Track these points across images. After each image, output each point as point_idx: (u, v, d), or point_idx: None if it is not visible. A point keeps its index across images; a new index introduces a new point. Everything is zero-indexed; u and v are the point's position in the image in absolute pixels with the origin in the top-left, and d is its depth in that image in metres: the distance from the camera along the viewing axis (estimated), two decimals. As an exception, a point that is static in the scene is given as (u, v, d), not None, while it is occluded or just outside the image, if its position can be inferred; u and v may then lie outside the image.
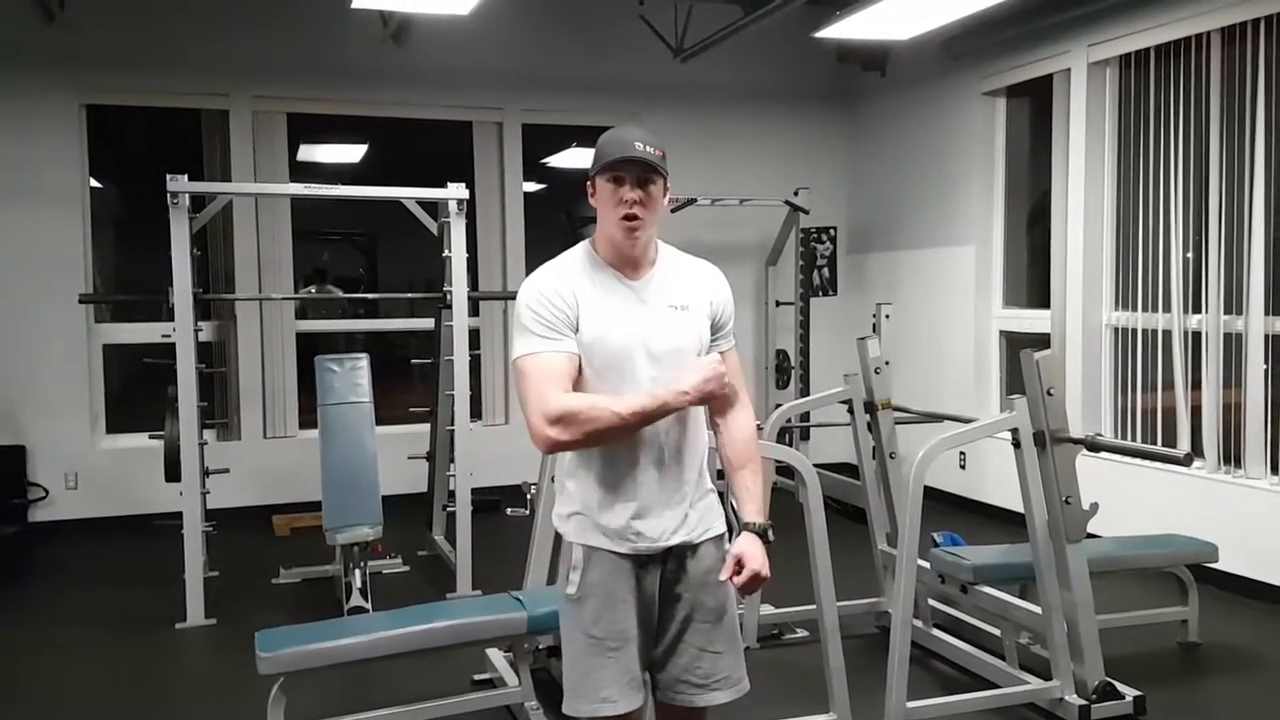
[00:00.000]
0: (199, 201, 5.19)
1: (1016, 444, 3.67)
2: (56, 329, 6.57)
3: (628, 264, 2.28)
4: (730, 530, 2.40)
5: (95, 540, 6.36)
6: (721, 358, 2.33)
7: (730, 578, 2.26)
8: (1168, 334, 5.62)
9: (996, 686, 3.84)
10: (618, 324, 2.23)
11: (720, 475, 2.46)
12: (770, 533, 2.33)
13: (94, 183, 6.83)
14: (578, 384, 2.23)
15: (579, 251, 2.32)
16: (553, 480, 3.93)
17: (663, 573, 2.30)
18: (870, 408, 4.56)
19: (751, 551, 2.27)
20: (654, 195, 2.23)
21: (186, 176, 4.79)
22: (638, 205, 2.20)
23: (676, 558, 2.31)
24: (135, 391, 6.95)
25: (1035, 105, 6.76)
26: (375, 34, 6.96)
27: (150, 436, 5.36)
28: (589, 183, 2.28)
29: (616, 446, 2.24)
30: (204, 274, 6.53)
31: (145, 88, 6.74)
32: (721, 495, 2.44)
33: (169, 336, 4.88)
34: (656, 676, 2.35)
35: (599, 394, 2.21)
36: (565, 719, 2.33)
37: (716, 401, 2.38)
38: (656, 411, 2.18)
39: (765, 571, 2.27)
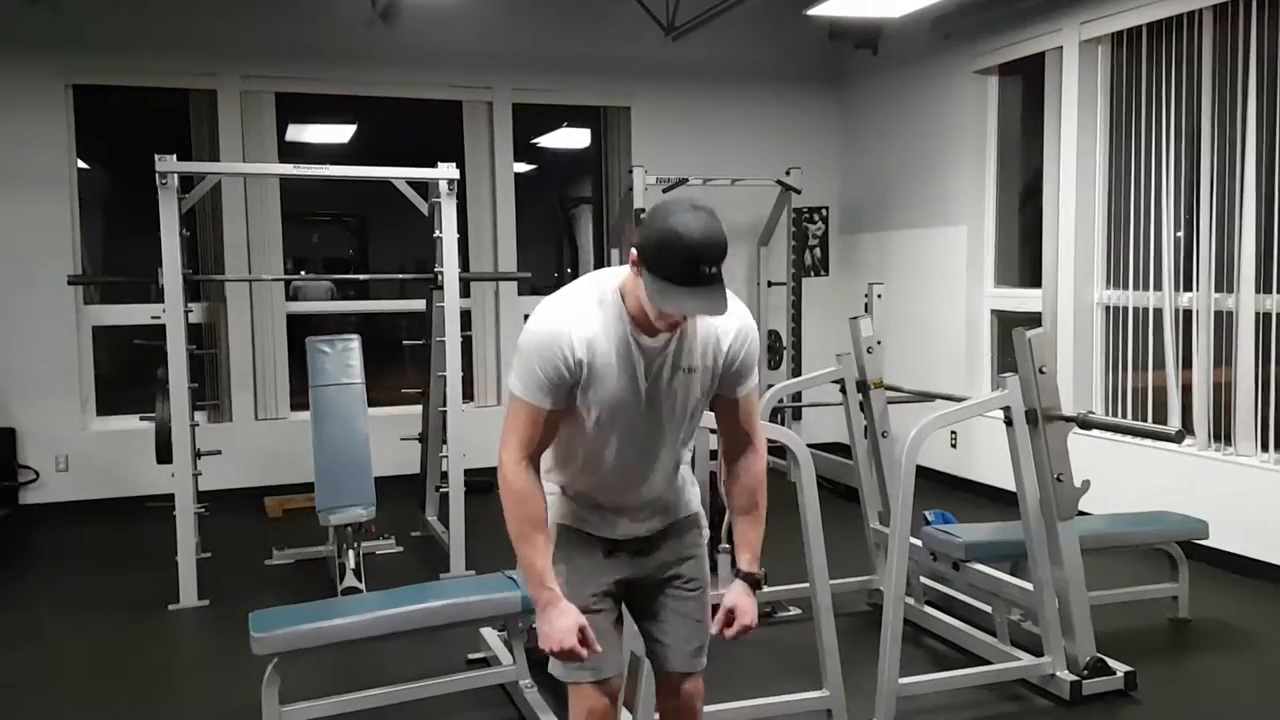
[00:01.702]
0: (187, 182, 5.16)
1: (1008, 422, 3.67)
2: (45, 311, 6.54)
3: (649, 329, 2.14)
4: (711, 531, 2.44)
5: (87, 522, 6.35)
6: (737, 403, 2.28)
7: (721, 630, 2.29)
8: (1159, 312, 5.63)
9: (988, 663, 3.86)
10: (621, 385, 2.15)
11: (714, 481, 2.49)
12: (764, 581, 2.34)
13: (81, 164, 6.78)
14: (577, 427, 2.20)
15: (608, 299, 2.13)
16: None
17: (635, 549, 2.35)
18: (862, 387, 4.57)
19: (744, 605, 2.29)
20: None
21: (175, 157, 4.76)
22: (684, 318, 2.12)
23: (648, 537, 2.36)
24: (125, 373, 6.93)
25: (1027, 84, 6.74)
26: (364, 13, 6.91)
27: (141, 418, 5.35)
28: (635, 252, 2.03)
29: (598, 463, 2.25)
30: (193, 255, 6.49)
31: (132, 68, 6.69)
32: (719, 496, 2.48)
33: (159, 318, 4.85)
34: (655, 649, 2.40)
35: (595, 440, 2.20)
36: (559, 696, 2.35)
37: (727, 442, 2.34)
38: (530, 580, 2.17)
39: (755, 623, 2.31)
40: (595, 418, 2.17)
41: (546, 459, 2.29)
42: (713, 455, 4.76)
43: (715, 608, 2.35)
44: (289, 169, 5.49)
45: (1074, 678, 3.67)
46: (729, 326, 2.21)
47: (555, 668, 2.31)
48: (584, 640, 2.14)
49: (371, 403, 5.29)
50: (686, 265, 1.96)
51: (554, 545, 2.26)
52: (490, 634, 4.03)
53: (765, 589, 4.46)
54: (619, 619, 2.35)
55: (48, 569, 5.59)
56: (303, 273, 8.57)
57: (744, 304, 2.20)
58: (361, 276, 8.00)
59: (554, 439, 2.22)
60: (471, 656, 4.05)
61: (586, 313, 2.13)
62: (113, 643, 4.46)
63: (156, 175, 4.70)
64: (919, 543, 4.15)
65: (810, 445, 3.53)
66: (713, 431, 2.42)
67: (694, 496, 2.44)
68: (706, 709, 2.55)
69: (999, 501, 5.90)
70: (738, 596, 2.29)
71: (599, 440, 2.20)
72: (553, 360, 2.09)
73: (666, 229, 1.98)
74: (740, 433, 2.32)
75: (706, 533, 2.46)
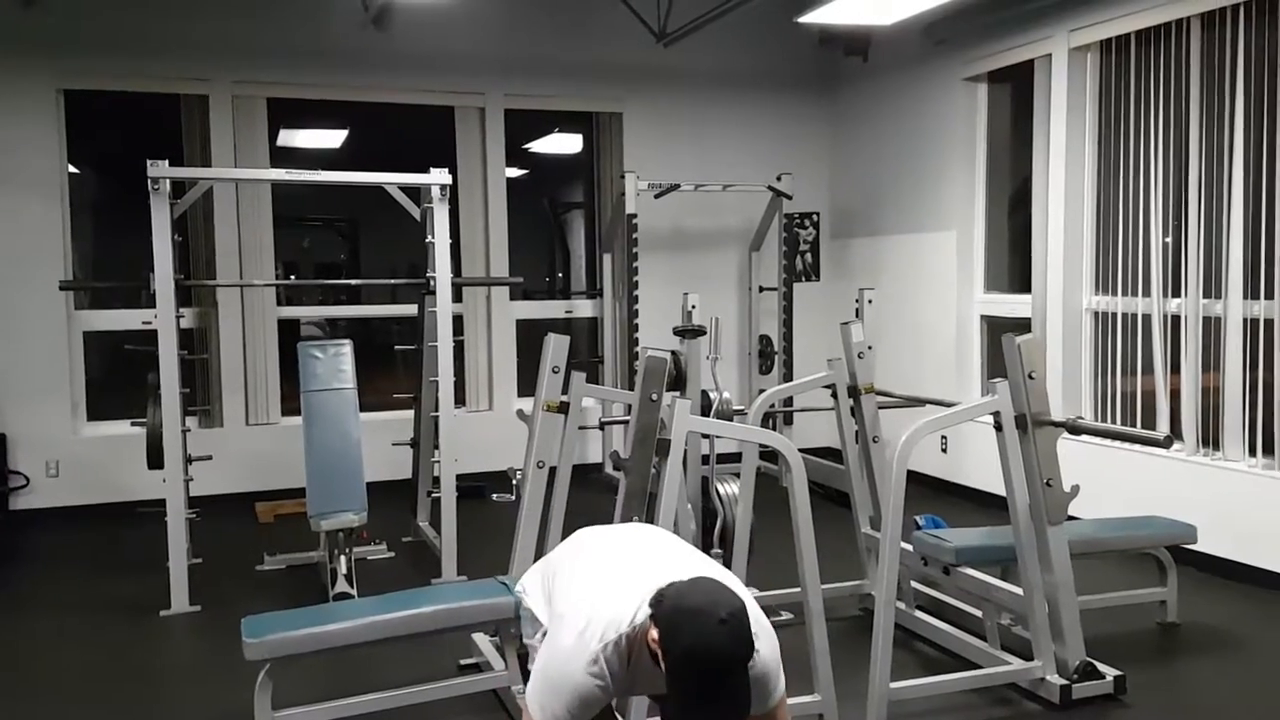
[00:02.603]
0: (179, 187, 5.16)
1: (998, 427, 3.69)
2: (36, 316, 6.52)
3: None
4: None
5: (77, 528, 6.33)
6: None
7: None
8: (1147, 318, 5.67)
9: (979, 667, 3.88)
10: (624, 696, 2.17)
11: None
12: None
13: (72, 169, 6.77)
14: None
15: (634, 635, 2.06)
16: (542, 466, 3.93)
17: None
18: (853, 392, 4.58)
19: None
20: None
21: (167, 162, 4.76)
22: None
23: None
24: (116, 379, 6.91)
25: (1016, 91, 6.78)
26: (356, 17, 6.92)
27: (132, 423, 5.34)
28: (656, 636, 1.95)
29: None
30: (185, 260, 6.49)
31: (124, 72, 6.68)
32: None
33: (150, 323, 4.85)
34: None
35: None
36: None
37: None
38: None
39: None
40: None
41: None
42: (705, 460, 4.73)
43: None
44: (281, 174, 5.49)
45: (1064, 682, 3.69)
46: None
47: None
48: None
49: (363, 407, 5.28)
50: (708, 679, 1.91)
51: None
52: (482, 639, 4.03)
53: (756, 593, 4.48)
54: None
55: (38, 574, 5.57)
56: (293, 278, 8.55)
57: (759, 610, 2.08)
58: (353, 282, 7.99)
59: None
60: (464, 662, 4.05)
61: (620, 652, 2.07)
62: (104, 648, 4.45)
63: (148, 180, 4.70)
64: (910, 547, 4.16)
65: (802, 450, 3.54)
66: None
67: None
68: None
69: (989, 506, 5.92)
70: None
71: None
72: (587, 707, 2.08)
73: (692, 649, 1.90)
74: None
75: None
